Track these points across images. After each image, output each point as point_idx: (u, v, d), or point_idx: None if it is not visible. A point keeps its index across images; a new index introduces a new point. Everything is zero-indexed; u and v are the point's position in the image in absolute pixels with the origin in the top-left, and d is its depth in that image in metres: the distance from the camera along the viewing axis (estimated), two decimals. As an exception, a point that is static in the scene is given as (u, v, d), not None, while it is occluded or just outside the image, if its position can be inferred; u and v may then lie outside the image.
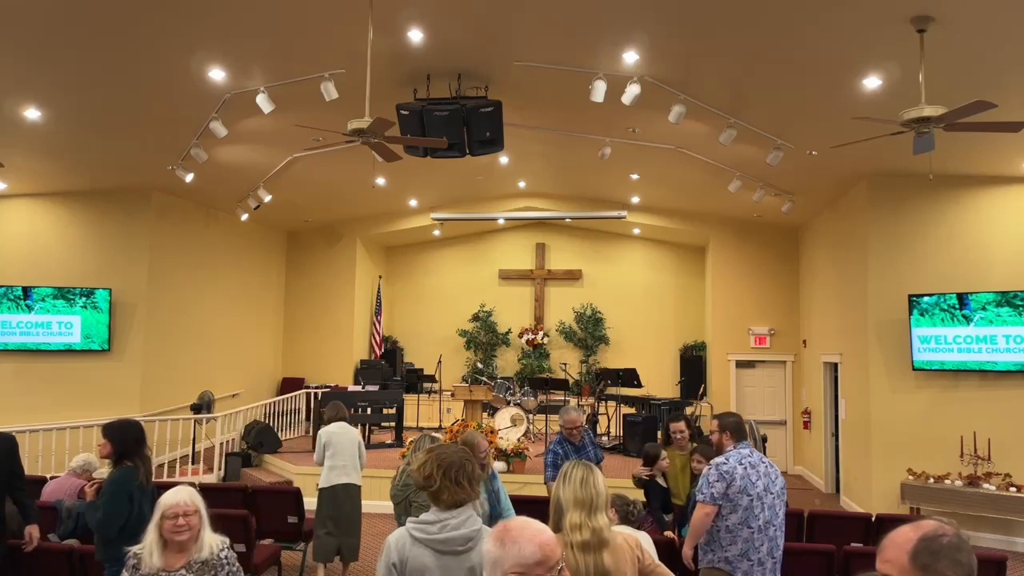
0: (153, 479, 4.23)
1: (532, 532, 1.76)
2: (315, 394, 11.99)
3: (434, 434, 4.42)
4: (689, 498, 5.32)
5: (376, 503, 8.92)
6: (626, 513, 4.23)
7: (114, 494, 3.95)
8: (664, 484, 5.73)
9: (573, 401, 12.34)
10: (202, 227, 11.61)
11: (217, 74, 6.61)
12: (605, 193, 12.38)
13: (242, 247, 12.68)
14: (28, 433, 8.79)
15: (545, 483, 5.70)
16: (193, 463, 9.81)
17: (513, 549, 1.73)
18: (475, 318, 14.55)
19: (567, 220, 13.75)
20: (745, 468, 3.98)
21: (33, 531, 4.45)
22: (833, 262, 10.33)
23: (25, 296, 10.02)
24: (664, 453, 5.77)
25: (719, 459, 4.10)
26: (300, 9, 5.62)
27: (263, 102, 6.61)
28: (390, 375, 13.17)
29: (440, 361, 13.44)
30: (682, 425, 5.88)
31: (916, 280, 8.54)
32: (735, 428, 4.19)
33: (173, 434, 10.18)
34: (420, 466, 2.61)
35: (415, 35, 6.15)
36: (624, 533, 3.01)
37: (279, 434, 11.08)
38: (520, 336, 14.38)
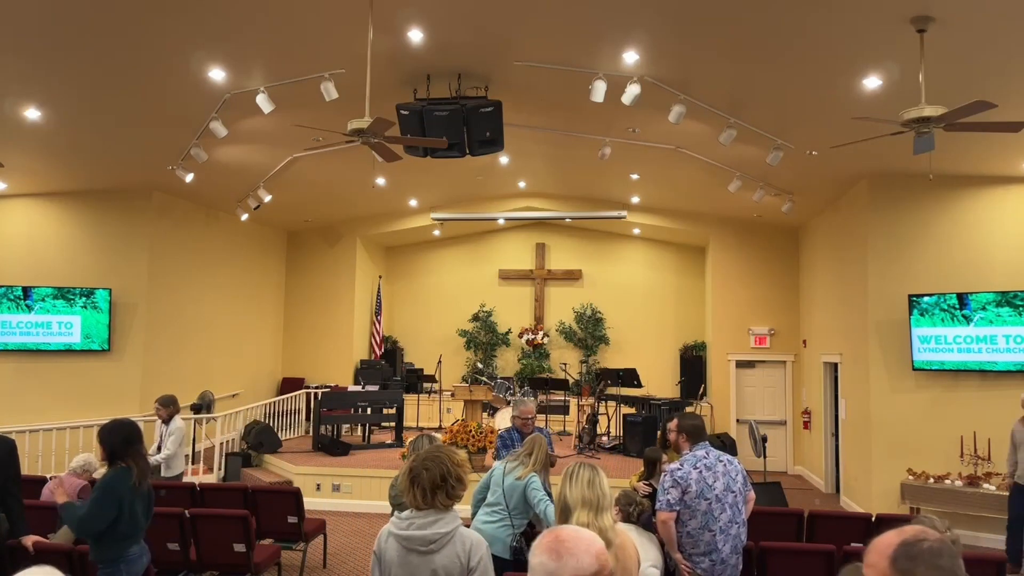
0: (150, 479, 4.21)
1: (587, 543, 1.70)
2: (315, 394, 12.00)
3: (433, 434, 4.42)
4: None
5: (375, 503, 8.94)
6: (628, 513, 4.25)
7: (99, 497, 3.92)
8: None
9: (573, 401, 12.35)
10: (202, 227, 11.62)
11: (217, 74, 6.62)
12: (605, 193, 12.38)
13: (242, 247, 12.68)
14: (28, 433, 8.80)
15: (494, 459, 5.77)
16: (193, 463, 9.81)
17: (571, 561, 1.67)
18: (475, 318, 14.55)
19: (567, 220, 13.75)
20: (700, 472, 3.96)
21: (28, 541, 4.40)
22: (833, 262, 10.34)
23: (25, 296, 10.02)
24: (664, 456, 5.74)
25: (673, 465, 4.08)
26: (300, 9, 5.62)
27: (263, 102, 6.61)
28: (390, 375, 13.17)
29: (440, 361, 13.44)
30: (675, 424, 5.85)
31: (916, 280, 8.54)
32: (691, 431, 4.17)
33: (173, 434, 10.17)
34: (400, 475, 2.81)
35: (415, 35, 6.15)
36: (626, 534, 3.02)
37: (279, 434, 11.08)
38: (520, 336, 14.38)
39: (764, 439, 9.41)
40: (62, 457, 8.88)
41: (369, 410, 11.31)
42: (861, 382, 8.97)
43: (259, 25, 5.85)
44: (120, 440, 4.06)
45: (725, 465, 4.03)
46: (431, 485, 2.62)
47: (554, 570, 1.66)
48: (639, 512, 4.30)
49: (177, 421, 7.16)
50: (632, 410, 11.71)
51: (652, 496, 5.66)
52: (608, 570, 1.70)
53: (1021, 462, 6.85)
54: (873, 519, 5.65)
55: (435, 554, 2.57)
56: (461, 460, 2.74)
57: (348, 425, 12.09)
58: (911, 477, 8.25)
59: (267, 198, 10.07)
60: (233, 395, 12.17)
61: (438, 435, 5.01)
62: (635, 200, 12.38)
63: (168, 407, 7.16)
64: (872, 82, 6.18)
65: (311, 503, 7.95)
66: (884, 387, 8.57)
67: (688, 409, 11.60)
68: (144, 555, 4.16)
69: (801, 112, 7.17)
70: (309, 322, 13.99)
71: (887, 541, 1.45)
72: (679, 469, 4.00)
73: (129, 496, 3.97)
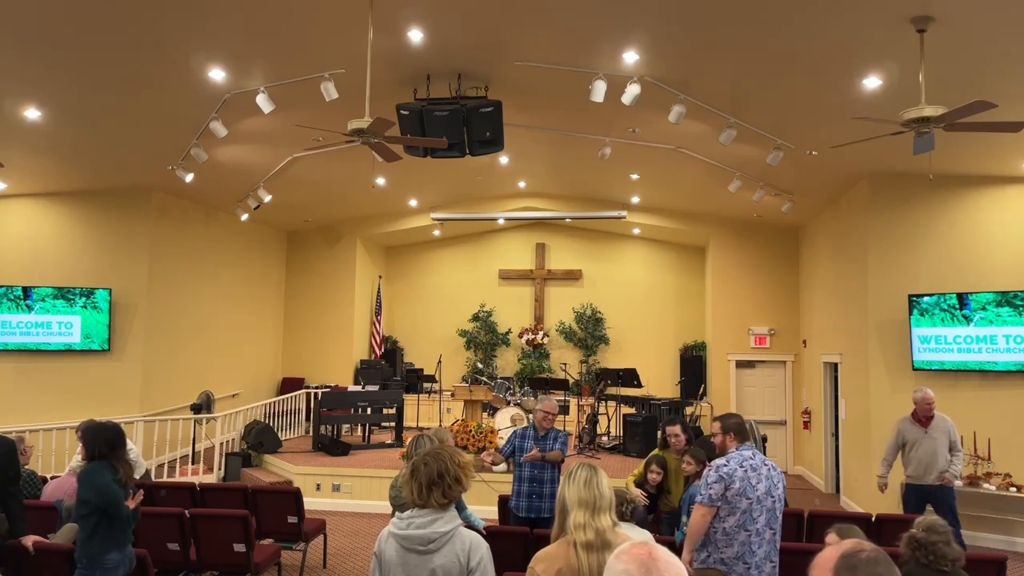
0: (136, 480, 4.24)
1: (677, 569, 1.65)
2: (315, 394, 11.99)
3: (433, 436, 4.40)
4: (681, 501, 5.35)
5: (375, 503, 8.94)
6: (621, 512, 4.27)
7: (91, 484, 3.96)
8: (653, 490, 5.79)
9: (573, 401, 12.36)
10: (202, 227, 11.62)
11: (217, 74, 6.62)
12: (605, 193, 12.38)
13: (242, 247, 12.68)
14: (28, 433, 8.77)
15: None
16: (193, 463, 9.81)
17: None
18: (475, 318, 14.55)
19: (567, 220, 13.75)
20: (746, 471, 3.94)
21: (28, 541, 4.40)
22: (833, 262, 10.33)
23: (25, 296, 10.02)
24: (655, 466, 5.81)
25: (719, 460, 4.06)
26: (300, 9, 5.62)
27: (263, 102, 6.61)
28: (390, 375, 13.17)
29: (440, 361, 13.43)
30: (677, 429, 5.89)
31: (916, 280, 8.54)
32: (737, 429, 4.15)
33: (173, 434, 10.19)
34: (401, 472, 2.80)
35: (415, 35, 6.15)
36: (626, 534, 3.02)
37: (279, 434, 11.08)
38: (520, 336, 14.38)
39: (764, 439, 9.38)
40: (62, 457, 8.88)
41: (369, 410, 11.31)
42: (861, 382, 8.97)
43: (259, 25, 5.85)
44: (104, 443, 4.10)
45: (769, 470, 4.02)
46: (427, 480, 2.62)
47: None
48: (631, 510, 4.33)
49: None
50: (632, 410, 11.71)
51: (652, 497, 5.72)
52: None
53: (914, 461, 6.72)
54: (873, 519, 5.65)
55: (434, 554, 2.56)
56: (463, 461, 2.72)
57: (348, 425, 12.09)
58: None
59: (267, 198, 10.07)
60: (233, 395, 12.17)
61: (446, 433, 4.98)
62: (635, 200, 12.38)
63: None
64: (872, 82, 6.18)
65: (311, 503, 7.95)
66: (884, 387, 8.57)
67: (688, 409, 11.62)
68: (123, 565, 4.15)
69: (801, 112, 7.17)
70: (309, 322, 13.99)
71: (828, 556, 1.56)
72: (725, 465, 3.99)
73: (115, 488, 3.99)
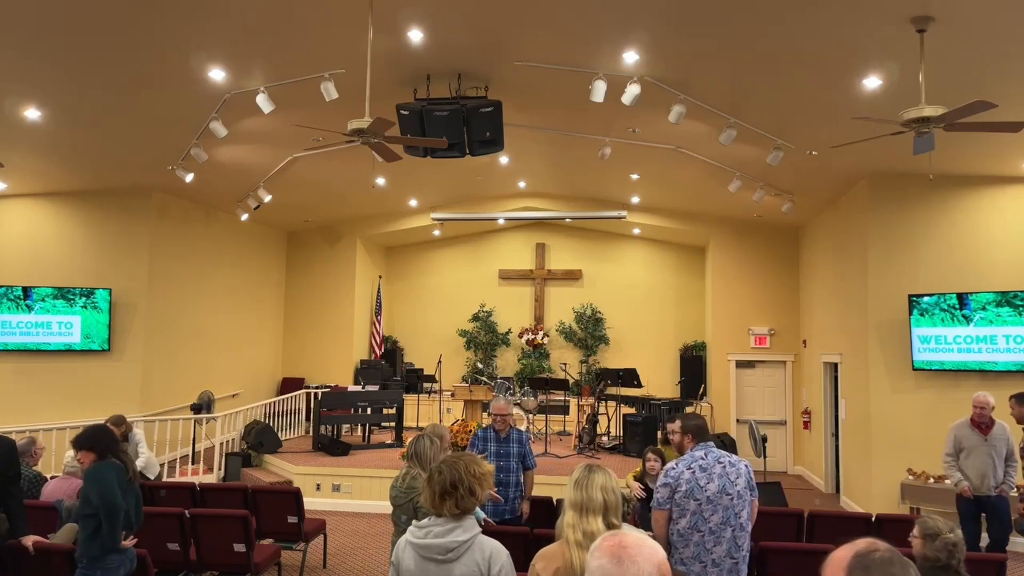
0: (150, 480, 4.25)
1: (649, 551, 1.68)
2: (315, 394, 12.00)
3: (430, 433, 4.39)
4: None
5: (375, 503, 8.94)
6: (623, 513, 4.29)
7: (95, 484, 3.97)
8: (651, 483, 5.81)
9: (573, 401, 12.36)
10: (202, 227, 11.62)
11: (217, 74, 6.62)
12: (605, 193, 12.38)
13: (242, 247, 12.69)
14: (28, 433, 8.79)
15: None
16: (193, 463, 9.81)
17: (632, 568, 1.64)
18: (475, 318, 14.55)
19: (567, 220, 13.75)
20: (694, 472, 3.95)
21: (28, 541, 4.40)
22: (833, 262, 10.34)
23: (25, 296, 10.02)
24: (650, 455, 5.83)
25: (670, 464, 4.10)
26: (300, 9, 5.62)
27: (263, 102, 6.61)
28: (390, 375, 13.17)
29: (440, 361, 13.43)
30: (677, 426, 5.90)
31: (916, 280, 8.55)
32: (696, 431, 4.16)
33: (173, 434, 10.19)
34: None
35: (415, 35, 6.15)
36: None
37: (279, 434, 11.08)
38: (520, 336, 14.38)
39: (764, 439, 9.41)
40: (62, 457, 8.87)
41: (369, 410, 11.31)
42: (861, 382, 8.97)
43: (259, 25, 5.85)
44: (109, 439, 4.16)
45: (725, 467, 3.99)
46: (441, 490, 2.61)
47: (614, 575, 1.63)
48: (628, 507, 4.34)
49: (137, 432, 7.08)
50: (632, 410, 11.71)
51: (649, 491, 5.74)
52: None
53: (970, 470, 6.38)
54: (873, 519, 5.65)
55: (453, 563, 2.54)
56: (480, 472, 2.68)
57: (348, 425, 12.09)
58: (911, 477, 8.25)
59: (267, 198, 10.07)
60: (233, 395, 12.18)
61: (444, 429, 4.84)
62: (635, 200, 12.38)
63: (120, 426, 6.59)
64: (872, 82, 6.18)
65: (311, 503, 7.96)
66: (884, 387, 8.57)
67: (688, 409, 11.61)
68: (124, 565, 4.16)
69: (801, 112, 7.17)
70: (309, 322, 13.99)
71: (841, 555, 1.52)
72: (673, 468, 4.02)
73: (117, 492, 4.00)
